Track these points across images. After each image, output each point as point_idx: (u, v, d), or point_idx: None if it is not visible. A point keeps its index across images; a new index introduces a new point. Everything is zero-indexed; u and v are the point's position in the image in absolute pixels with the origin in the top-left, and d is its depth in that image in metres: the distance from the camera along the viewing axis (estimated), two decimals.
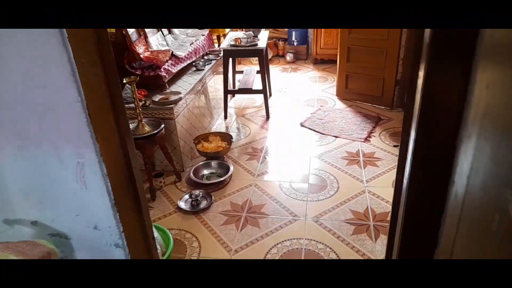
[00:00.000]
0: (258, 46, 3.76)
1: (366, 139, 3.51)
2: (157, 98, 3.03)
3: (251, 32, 3.91)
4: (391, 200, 2.65)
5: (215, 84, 4.08)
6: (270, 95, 4.64)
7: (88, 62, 1.17)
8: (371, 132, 3.64)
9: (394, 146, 3.34)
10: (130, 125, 2.82)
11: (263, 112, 4.18)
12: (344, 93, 4.43)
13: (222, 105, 4.15)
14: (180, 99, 3.04)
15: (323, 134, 3.65)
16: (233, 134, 3.76)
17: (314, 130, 3.73)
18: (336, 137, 3.59)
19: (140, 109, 2.72)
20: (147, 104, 2.97)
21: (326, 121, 3.91)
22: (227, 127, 3.95)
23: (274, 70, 5.60)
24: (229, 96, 4.29)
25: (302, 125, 3.87)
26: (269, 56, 5.44)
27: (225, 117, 4.13)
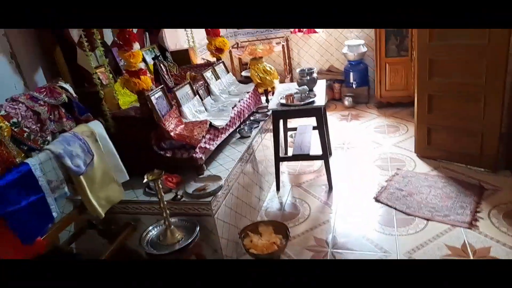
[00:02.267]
0: (315, 105, 3.03)
1: (471, 224, 2.57)
2: (191, 188, 2.37)
3: (305, 87, 3.20)
4: None
5: (263, 145, 3.39)
6: (330, 154, 3.85)
7: None
8: (476, 212, 2.69)
9: None
10: (155, 229, 2.19)
11: (324, 180, 3.39)
12: (426, 150, 3.52)
13: (273, 169, 3.43)
14: (221, 187, 2.36)
15: (408, 215, 2.77)
16: (289, 215, 3.01)
17: (396, 209, 2.86)
18: (428, 220, 2.68)
19: (167, 212, 2.06)
20: (178, 197, 2.32)
21: (408, 193, 3.02)
22: (281, 204, 3.20)
23: (331, 118, 4.82)
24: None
25: (377, 199, 3.01)
26: (325, 101, 4.69)
27: (278, 188, 3.40)
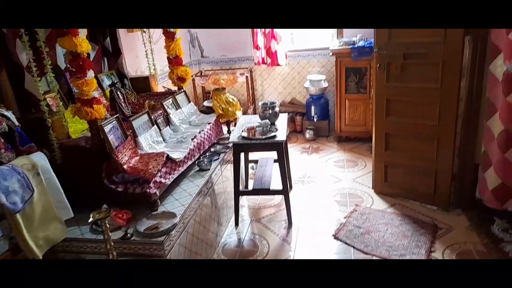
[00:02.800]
0: (276, 139, 3.01)
1: None
2: (143, 226, 2.22)
3: (267, 121, 3.19)
4: None
5: (223, 176, 3.30)
6: (291, 187, 3.83)
7: None
8: (431, 251, 2.73)
9: None
10: None
11: (284, 215, 3.33)
12: (383, 187, 3.58)
13: (232, 202, 3.32)
14: (175, 226, 2.23)
15: (366, 253, 2.76)
16: (247, 252, 2.90)
17: (354, 247, 2.84)
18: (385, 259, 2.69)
19: (114, 253, 1.90)
20: (128, 236, 2.16)
21: (366, 230, 3.02)
22: (239, 241, 3.09)
23: (292, 150, 4.85)
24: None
25: (335, 237, 2.99)
26: (286, 133, 4.70)
27: (236, 223, 3.29)
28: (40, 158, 1.84)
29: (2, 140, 1.77)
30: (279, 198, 3.66)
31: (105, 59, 3.45)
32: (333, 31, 5.14)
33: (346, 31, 5.00)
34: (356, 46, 4.54)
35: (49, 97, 2.37)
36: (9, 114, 1.83)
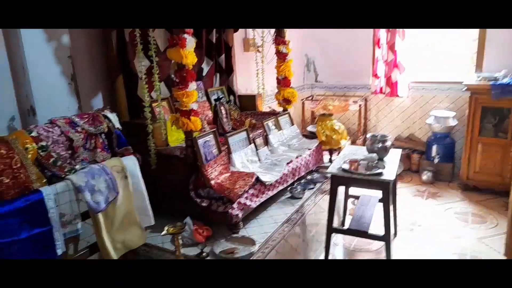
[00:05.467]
0: (382, 177, 2.61)
1: None
2: (219, 247, 2.09)
3: (374, 155, 2.81)
4: None
5: (318, 206, 3.01)
6: (395, 234, 3.31)
7: None
8: None
9: None
10: None
11: None
12: None
13: (324, 237, 2.98)
14: (251, 255, 2.04)
15: None
16: None
17: None
18: None
19: None
20: (203, 255, 2.05)
21: None
22: None
23: (404, 191, 4.26)
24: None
25: None
26: (399, 171, 4.15)
27: None
28: (130, 162, 1.87)
29: (101, 140, 1.85)
30: (381, 243, 3.18)
31: (218, 74, 3.54)
32: (471, 63, 4.45)
33: (487, 65, 4.27)
34: (498, 83, 3.80)
35: (155, 105, 2.47)
36: (112, 116, 1.92)
